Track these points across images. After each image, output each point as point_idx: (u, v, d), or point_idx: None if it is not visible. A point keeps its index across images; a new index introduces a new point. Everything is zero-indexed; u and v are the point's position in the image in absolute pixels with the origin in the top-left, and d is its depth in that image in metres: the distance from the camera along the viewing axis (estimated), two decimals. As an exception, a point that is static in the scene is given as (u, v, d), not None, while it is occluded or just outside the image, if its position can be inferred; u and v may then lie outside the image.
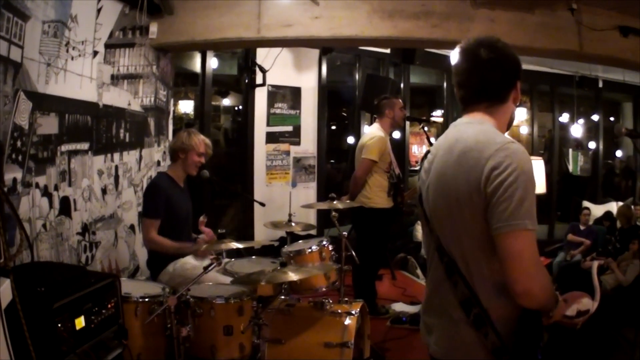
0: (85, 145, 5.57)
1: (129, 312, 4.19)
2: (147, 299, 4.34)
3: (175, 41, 7.17)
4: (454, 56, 2.97)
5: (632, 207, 11.28)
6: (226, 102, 11.01)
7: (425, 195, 2.80)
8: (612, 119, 17.07)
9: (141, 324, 4.24)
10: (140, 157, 6.95)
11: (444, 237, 2.67)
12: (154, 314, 4.18)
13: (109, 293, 3.90)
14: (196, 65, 9.51)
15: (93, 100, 5.71)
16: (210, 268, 4.45)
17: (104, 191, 5.99)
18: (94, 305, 3.71)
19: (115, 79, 6.20)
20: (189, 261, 5.48)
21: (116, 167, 6.29)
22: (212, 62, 9.53)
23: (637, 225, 10.62)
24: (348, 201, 7.16)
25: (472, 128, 2.70)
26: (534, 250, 2.42)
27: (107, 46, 5.98)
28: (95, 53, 5.71)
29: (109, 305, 3.87)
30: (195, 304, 4.43)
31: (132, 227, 6.69)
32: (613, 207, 13.33)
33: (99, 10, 5.76)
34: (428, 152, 2.92)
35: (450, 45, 8.16)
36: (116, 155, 6.29)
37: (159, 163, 7.49)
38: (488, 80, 2.77)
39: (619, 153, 16.90)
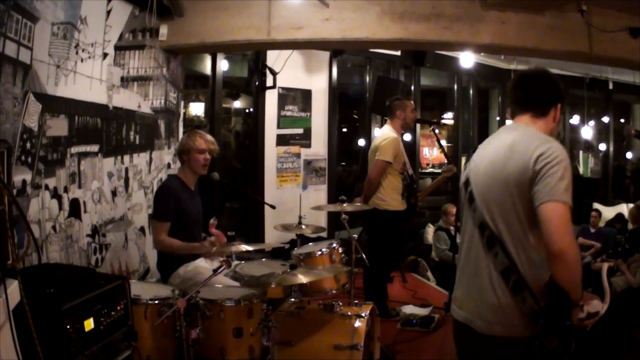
0: (95, 147, 5.57)
1: (139, 314, 4.18)
2: (156, 301, 4.33)
3: (185, 43, 7.17)
4: (512, 80, 3.49)
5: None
6: (237, 104, 10.98)
7: (475, 179, 3.27)
8: (622, 120, 17.02)
9: (151, 326, 4.24)
10: (151, 160, 6.95)
11: (489, 214, 3.13)
12: (164, 316, 4.19)
13: (118, 295, 3.90)
14: (206, 68, 9.51)
15: (103, 102, 5.71)
16: (220, 270, 4.44)
17: (114, 193, 5.99)
18: (103, 307, 3.70)
19: (125, 81, 6.20)
20: (200, 264, 5.47)
21: (126, 170, 6.29)
22: (223, 65, 9.54)
23: None
24: (359, 204, 7.14)
25: (521, 129, 3.25)
26: (569, 221, 2.89)
27: (117, 48, 5.98)
28: (105, 55, 5.71)
29: (119, 307, 3.86)
30: (205, 306, 4.42)
31: (142, 229, 6.69)
32: (624, 209, 13.21)
33: (108, 12, 5.77)
34: (471, 150, 3.45)
35: (461, 47, 8.25)
36: (126, 158, 6.29)
37: (169, 165, 7.48)
38: (533, 92, 3.30)
39: (629, 155, 16.82)
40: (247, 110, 10.76)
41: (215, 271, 4.43)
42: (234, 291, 4.89)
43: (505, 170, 3.08)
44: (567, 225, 2.88)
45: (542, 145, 3.00)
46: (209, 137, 5.75)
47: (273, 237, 9.23)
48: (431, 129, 8.38)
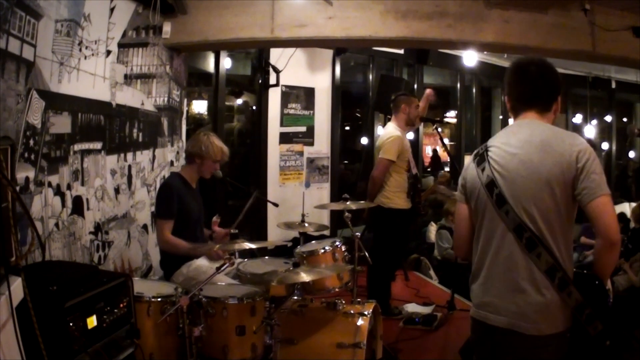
0: (98, 145, 5.57)
1: (142, 311, 4.18)
2: (159, 299, 4.33)
3: (188, 41, 7.16)
4: (507, 72, 3.51)
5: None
6: (240, 102, 11.01)
7: (502, 181, 3.21)
8: (625, 119, 17.02)
9: (153, 323, 4.24)
10: (154, 157, 6.95)
11: (528, 215, 3.12)
12: (167, 313, 4.19)
13: (121, 292, 3.89)
14: (210, 65, 9.53)
15: (106, 99, 5.70)
16: (223, 268, 4.43)
17: (116, 191, 5.99)
18: (106, 304, 3.69)
19: (129, 79, 6.20)
20: (203, 263, 5.47)
21: (129, 167, 6.29)
22: (226, 62, 9.55)
23: None
24: (362, 202, 7.09)
25: (540, 126, 3.28)
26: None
27: (120, 45, 5.97)
28: (108, 52, 5.71)
29: (121, 305, 3.86)
30: (208, 304, 4.43)
31: (144, 226, 6.69)
32: (626, 208, 13.18)
33: (112, 10, 5.76)
34: (485, 147, 3.41)
35: (464, 45, 8.25)
36: (129, 155, 6.29)
37: (172, 163, 7.49)
38: (537, 88, 3.33)
39: (631, 154, 16.83)
40: (250, 108, 10.78)
41: (218, 269, 4.42)
42: (236, 289, 4.89)
43: (543, 169, 3.10)
44: (615, 216, 3.06)
45: (576, 143, 3.10)
46: (226, 149, 5.78)
47: (276, 235, 9.24)
48: (434, 127, 8.38)
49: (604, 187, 3.00)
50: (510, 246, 3.16)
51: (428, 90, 8.37)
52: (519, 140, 3.24)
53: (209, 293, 4.55)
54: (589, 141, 12.53)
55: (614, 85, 15.43)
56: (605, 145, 16.05)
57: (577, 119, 15.77)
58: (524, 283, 3.12)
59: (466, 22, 7.05)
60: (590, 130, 15.38)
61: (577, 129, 15.57)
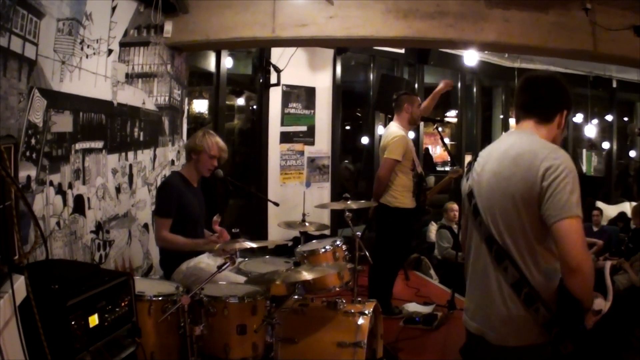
0: (99, 144, 5.57)
1: (143, 310, 4.19)
2: (160, 298, 4.35)
3: (190, 40, 7.19)
4: (519, 82, 3.45)
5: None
6: (240, 101, 11.03)
7: (478, 192, 3.24)
8: (626, 119, 17.05)
9: (154, 322, 4.25)
10: (155, 156, 6.96)
11: (496, 228, 3.10)
12: (168, 312, 4.20)
13: (122, 291, 3.88)
14: (211, 65, 9.54)
15: (107, 98, 5.71)
16: (224, 267, 4.45)
17: (118, 190, 5.99)
18: (107, 303, 3.68)
19: (130, 78, 6.21)
20: (203, 260, 5.50)
21: (130, 166, 6.30)
22: (227, 62, 9.59)
23: None
24: (363, 201, 7.07)
25: (525, 137, 3.20)
26: (584, 234, 2.92)
27: (122, 44, 5.98)
28: (110, 51, 5.71)
29: (123, 304, 3.85)
30: (209, 303, 4.44)
31: (145, 226, 6.70)
32: (627, 207, 13.19)
33: (113, 9, 5.77)
34: (477, 155, 3.40)
35: (465, 45, 8.26)
36: (130, 154, 6.29)
37: (173, 162, 7.50)
38: (538, 96, 3.27)
39: (632, 153, 16.89)
40: (250, 108, 10.80)
41: (219, 268, 4.44)
42: (237, 288, 4.89)
43: (510, 184, 3.05)
44: (583, 240, 2.90)
45: (548, 157, 2.97)
46: (223, 144, 5.77)
47: (276, 234, 9.26)
48: (435, 127, 8.40)
49: (569, 210, 2.88)
50: (484, 256, 3.18)
51: (444, 83, 8.40)
52: (499, 152, 3.24)
53: (210, 292, 4.56)
54: (589, 141, 12.64)
55: (615, 85, 15.45)
56: (606, 145, 16.06)
57: (578, 118, 15.79)
58: (494, 294, 3.13)
59: (467, 22, 7.07)
60: (591, 129, 15.40)
61: (578, 128, 15.62)
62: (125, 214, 6.18)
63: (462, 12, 7.05)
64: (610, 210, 13.70)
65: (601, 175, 15.95)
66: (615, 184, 16.20)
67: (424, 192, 7.74)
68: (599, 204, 13.62)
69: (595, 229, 11.84)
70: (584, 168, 15.80)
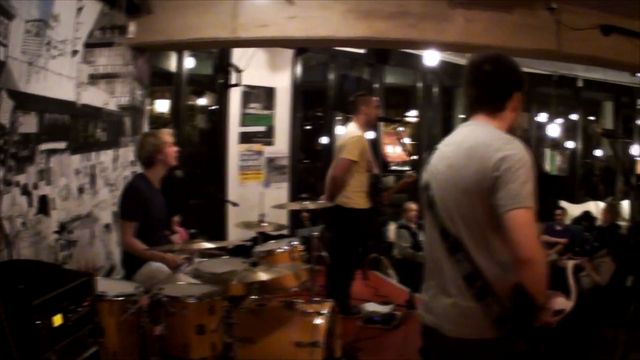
0: (63, 145, 5.60)
1: (104, 310, 4.22)
2: (121, 298, 4.37)
3: (153, 41, 7.23)
4: (464, 69, 3.39)
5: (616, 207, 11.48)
6: (202, 102, 11.08)
7: (434, 184, 3.21)
8: (592, 118, 17.17)
9: (116, 322, 4.28)
10: (116, 157, 6.99)
11: (450, 220, 3.06)
12: (128, 312, 4.26)
13: (85, 291, 3.93)
14: (172, 65, 9.62)
15: (71, 99, 5.74)
16: (182, 267, 4.53)
17: (80, 190, 6.02)
18: (70, 303, 3.73)
19: (93, 79, 6.24)
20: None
21: (93, 167, 6.33)
22: (188, 62, 9.64)
23: (616, 224, 10.86)
24: (322, 202, 7.18)
25: (479, 129, 3.17)
26: (535, 226, 2.86)
27: (86, 45, 6.01)
28: (74, 52, 5.75)
29: (85, 304, 3.89)
30: (168, 303, 4.48)
31: (107, 226, 6.72)
32: (591, 206, 13.49)
33: (79, 10, 5.80)
34: (435, 148, 3.35)
35: (426, 45, 8.37)
36: (93, 155, 6.33)
37: (133, 163, 7.51)
38: (487, 91, 3.22)
39: (598, 152, 17.07)
40: (211, 108, 10.85)
41: (177, 268, 4.51)
42: (196, 288, 4.94)
43: (464, 176, 3.01)
44: (533, 231, 2.86)
45: (502, 148, 2.94)
46: (166, 130, 5.94)
47: (236, 234, 9.28)
48: (393, 127, 8.49)
49: (521, 200, 2.84)
50: (439, 248, 3.14)
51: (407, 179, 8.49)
52: (454, 143, 3.21)
53: (170, 292, 4.59)
54: (553, 140, 12.72)
55: (580, 84, 15.61)
56: (571, 144, 16.21)
57: (542, 117, 15.90)
58: (448, 286, 3.10)
59: (429, 22, 7.15)
60: (555, 129, 15.51)
61: (542, 127, 15.73)
62: (87, 215, 6.20)
63: (424, 12, 7.13)
64: (574, 210, 13.82)
65: (565, 174, 16.10)
66: (580, 184, 16.36)
67: (380, 193, 7.82)
68: (563, 203, 13.75)
69: (558, 227, 11.94)
70: (547, 167, 15.95)
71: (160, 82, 9.85)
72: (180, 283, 5.12)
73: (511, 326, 2.93)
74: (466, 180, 3.01)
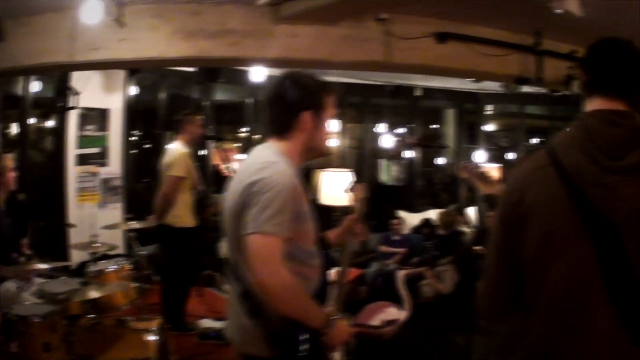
0: None
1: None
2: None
3: (5, 67, 7.18)
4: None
5: (453, 214, 11.43)
6: (47, 124, 11.11)
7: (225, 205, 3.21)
8: (435, 126, 17.29)
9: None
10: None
11: (228, 242, 3.15)
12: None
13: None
14: (19, 89, 9.74)
15: None
16: (20, 288, 5.05)
17: None
18: None
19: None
20: (12, 285, 5.68)
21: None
22: (33, 86, 9.79)
23: (457, 231, 10.80)
24: (150, 221, 7.60)
25: (258, 151, 3.20)
26: (273, 251, 2.85)
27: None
28: None
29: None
30: (18, 322, 4.74)
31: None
32: (430, 214, 13.24)
33: None
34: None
35: (250, 62, 9.12)
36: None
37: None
38: (271, 113, 3.25)
39: (439, 161, 17.09)
40: (54, 131, 10.92)
41: (18, 289, 4.98)
42: (41, 308, 5.14)
43: (230, 199, 3.08)
44: (268, 257, 2.83)
45: (256, 173, 2.95)
46: (8, 155, 6.15)
47: (77, 255, 9.30)
48: (218, 144, 8.94)
49: (258, 225, 2.84)
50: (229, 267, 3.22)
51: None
52: (240, 167, 3.26)
53: (19, 312, 4.85)
54: (389, 150, 12.86)
55: (419, 93, 15.46)
56: (411, 154, 16.02)
57: (380, 128, 15.82)
58: (233, 304, 3.18)
59: (252, 39, 7.22)
60: (388, 139, 15.34)
61: (378, 138, 15.40)
62: None
63: (248, 29, 7.19)
64: (413, 218, 13.65)
65: (402, 184, 16.04)
66: (421, 192, 16.21)
67: (205, 209, 8.04)
68: (401, 212, 13.61)
69: (396, 237, 11.72)
70: (382, 178, 15.91)
71: (8, 106, 9.96)
72: (30, 303, 5.38)
73: (279, 343, 2.97)
74: (231, 203, 3.05)
